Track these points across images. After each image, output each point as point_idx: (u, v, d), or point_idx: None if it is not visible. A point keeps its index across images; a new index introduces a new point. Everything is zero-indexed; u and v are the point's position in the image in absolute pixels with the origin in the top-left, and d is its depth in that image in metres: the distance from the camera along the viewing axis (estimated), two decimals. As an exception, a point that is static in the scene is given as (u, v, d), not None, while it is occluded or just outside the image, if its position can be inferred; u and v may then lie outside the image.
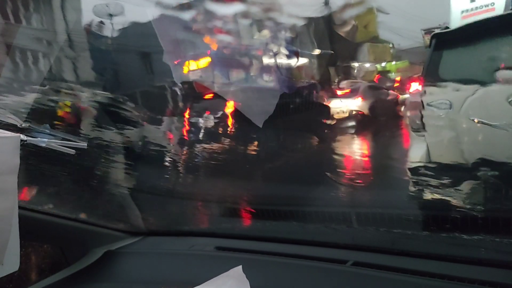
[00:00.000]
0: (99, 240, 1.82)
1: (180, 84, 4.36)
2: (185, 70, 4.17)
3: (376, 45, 5.34)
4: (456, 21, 3.03)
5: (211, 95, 4.23)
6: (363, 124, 4.72)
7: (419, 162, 2.70)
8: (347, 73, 5.32)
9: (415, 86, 3.27)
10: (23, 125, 1.05)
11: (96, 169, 2.19)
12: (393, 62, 5.38)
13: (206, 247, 1.78)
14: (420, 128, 2.81)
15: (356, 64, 5.33)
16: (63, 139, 1.08)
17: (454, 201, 2.12)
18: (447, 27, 3.06)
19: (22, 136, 0.97)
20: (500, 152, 2.21)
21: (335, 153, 3.95)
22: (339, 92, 5.06)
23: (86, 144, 1.11)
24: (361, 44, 5.19)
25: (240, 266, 1.31)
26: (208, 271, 1.33)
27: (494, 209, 2.00)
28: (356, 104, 4.89)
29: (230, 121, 4.19)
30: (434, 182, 2.35)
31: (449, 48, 2.87)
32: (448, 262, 1.37)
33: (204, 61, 4.16)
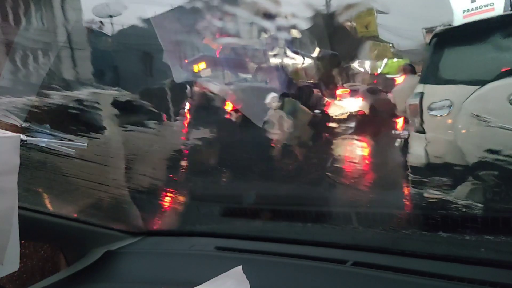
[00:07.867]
0: (99, 240, 1.82)
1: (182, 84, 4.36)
2: (195, 69, 4.19)
3: (377, 43, 5.33)
4: (458, 20, 3.04)
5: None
6: (363, 124, 4.71)
7: (419, 162, 2.70)
8: (348, 73, 5.32)
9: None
10: (23, 125, 1.06)
11: (97, 168, 2.19)
12: (395, 59, 5.36)
13: (206, 247, 1.77)
14: (420, 128, 2.81)
15: (357, 64, 5.33)
16: (63, 139, 1.08)
17: (454, 201, 2.11)
18: (450, 25, 3.08)
19: (22, 136, 0.97)
20: (500, 152, 2.21)
21: (335, 153, 3.95)
22: (339, 92, 5.06)
23: (86, 144, 1.11)
24: (363, 43, 5.18)
25: (240, 266, 1.31)
26: (208, 271, 1.33)
27: (494, 209, 2.00)
28: (356, 104, 4.89)
29: (228, 121, 4.21)
30: (434, 182, 2.35)
31: (450, 47, 2.87)
32: (448, 262, 1.36)
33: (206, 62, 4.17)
